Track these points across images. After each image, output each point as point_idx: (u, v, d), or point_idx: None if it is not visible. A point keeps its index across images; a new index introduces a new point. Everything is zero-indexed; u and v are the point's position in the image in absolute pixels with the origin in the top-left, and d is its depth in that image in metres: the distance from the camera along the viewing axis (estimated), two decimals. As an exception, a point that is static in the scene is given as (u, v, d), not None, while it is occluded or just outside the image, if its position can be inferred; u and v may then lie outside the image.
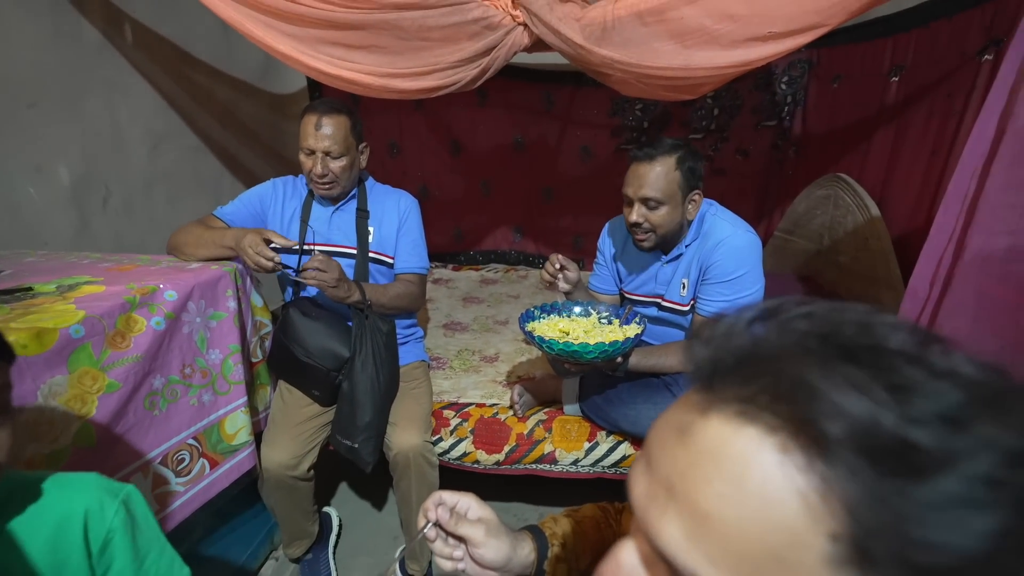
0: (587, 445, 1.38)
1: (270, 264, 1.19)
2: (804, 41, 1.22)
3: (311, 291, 1.41)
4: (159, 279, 1.08)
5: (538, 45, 1.41)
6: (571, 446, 1.39)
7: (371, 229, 1.46)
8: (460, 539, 0.60)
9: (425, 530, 0.60)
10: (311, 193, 1.46)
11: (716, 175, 2.68)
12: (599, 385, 1.36)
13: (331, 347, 1.32)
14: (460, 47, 1.33)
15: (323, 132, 1.29)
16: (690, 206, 1.24)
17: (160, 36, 1.96)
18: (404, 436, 1.29)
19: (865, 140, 2.02)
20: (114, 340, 0.94)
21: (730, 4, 1.20)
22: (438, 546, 0.60)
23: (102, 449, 0.94)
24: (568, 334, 1.15)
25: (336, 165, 1.33)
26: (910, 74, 1.80)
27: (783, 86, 2.50)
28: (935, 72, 1.65)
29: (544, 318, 1.21)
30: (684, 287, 1.31)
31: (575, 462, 1.39)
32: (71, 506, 0.57)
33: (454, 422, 1.44)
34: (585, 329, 1.17)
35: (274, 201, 1.47)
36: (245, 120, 2.52)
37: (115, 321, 0.95)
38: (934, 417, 0.22)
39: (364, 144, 1.42)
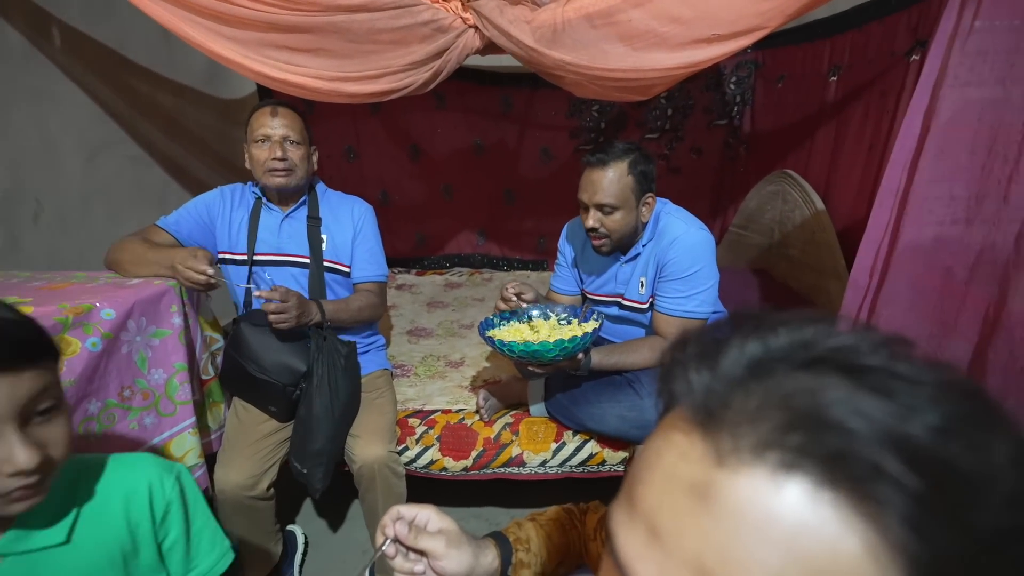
0: (554, 446, 1.39)
1: (203, 279, 1.13)
2: (747, 43, 1.26)
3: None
4: (95, 297, 1.01)
5: (490, 48, 1.41)
6: (539, 447, 1.39)
7: (324, 237, 1.42)
8: (421, 553, 0.59)
9: (384, 547, 0.58)
10: (259, 200, 1.41)
11: (672, 174, 2.74)
12: (564, 385, 1.36)
13: (286, 361, 1.27)
14: (411, 50, 1.32)
15: (279, 120, 1.27)
16: (644, 208, 1.26)
17: (93, 40, 1.85)
18: (368, 448, 1.26)
19: (809, 137, 2.11)
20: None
21: (675, 7, 1.23)
22: (398, 562, 0.59)
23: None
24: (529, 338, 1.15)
25: (295, 152, 1.29)
26: (847, 74, 1.89)
27: (732, 86, 2.59)
28: (869, 72, 1.75)
29: (504, 325, 1.21)
30: (642, 285, 1.34)
31: (543, 463, 1.39)
32: (136, 481, 0.64)
33: (420, 430, 1.42)
34: (547, 332, 1.17)
35: (222, 209, 1.41)
36: (191, 127, 2.42)
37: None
38: (958, 437, 0.20)
39: (314, 147, 1.38)
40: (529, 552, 0.68)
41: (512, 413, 1.46)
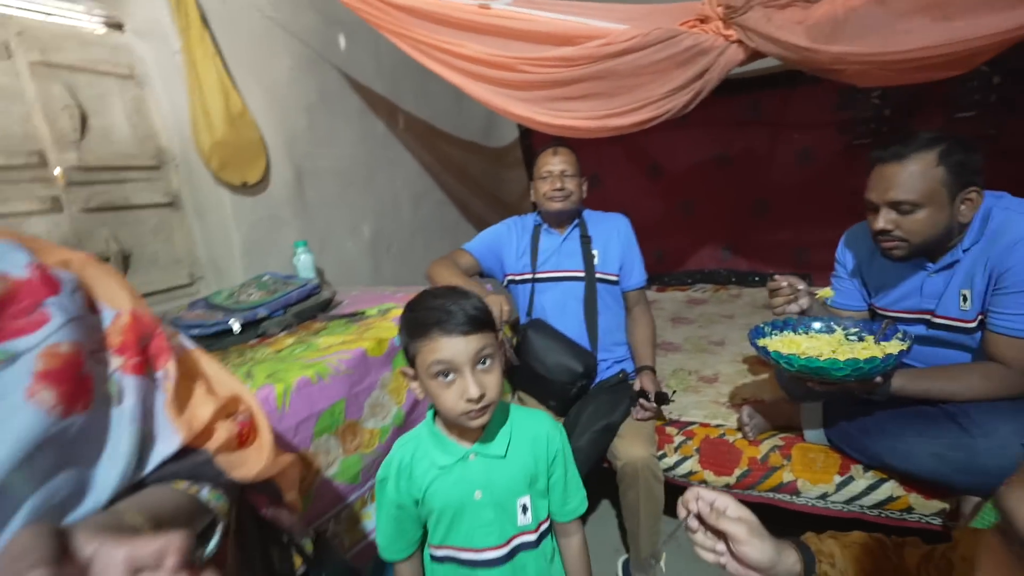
0: (838, 479, 1.23)
1: (511, 319, 1.44)
2: None
3: (544, 310, 1.62)
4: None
5: (753, 57, 1.39)
6: (817, 477, 1.26)
7: (595, 253, 1.62)
8: (720, 535, 0.64)
9: (687, 520, 0.65)
10: (538, 226, 1.69)
11: (1002, 159, 2.11)
12: (849, 411, 1.21)
13: (566, 363, 1.48)
14: (671, 77, 1.41)
15: (559, 158, 1.56)
16: (964, 206, 1.04)
17: (419, 119, 2.53)
18: (632, 448, 1.36)
19: None
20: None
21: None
22: (699, 537, 0.64)
23: (406, 428, 1.24)
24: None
25: (570, 182, 1.55)
26: None
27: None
28: None
29: (776, 335, 1.14)
30: (965, 299, 1.09)
31: (823, 496, 1.25)
32: (540, 428, 0.86)
33: (678, 439, 1.45)
34: (830, 347, 1.07)
35: (508, 237, 1.74)
36: (473, 173, 3.02)
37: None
38: None
39: (584, 178, 1.61)
40: (835, 568, 0.65)
41: (781, 436, 1.36)
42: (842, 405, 1.22)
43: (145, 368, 0.57)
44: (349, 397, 1.06)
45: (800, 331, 1.14)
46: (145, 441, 0.54)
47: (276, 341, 1.24)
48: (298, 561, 0.80)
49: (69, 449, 0.47)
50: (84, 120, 1.40)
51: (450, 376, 0.73)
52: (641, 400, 1.42)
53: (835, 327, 1.13)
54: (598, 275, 1.59)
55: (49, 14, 1.37)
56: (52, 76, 1.34)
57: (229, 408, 0.65)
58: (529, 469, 0.82)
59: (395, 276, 2.34)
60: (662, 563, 1.39)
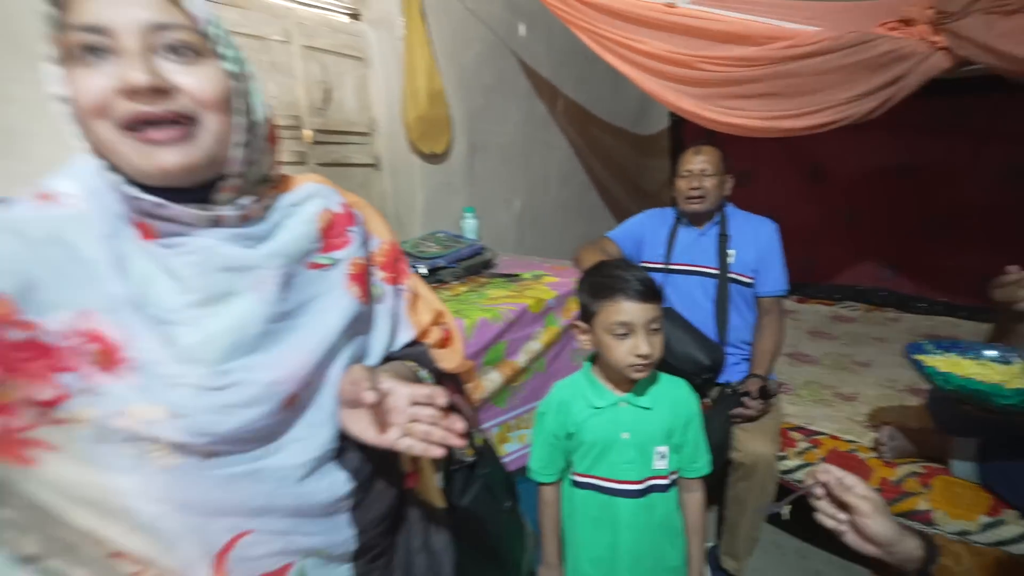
0: (984, 519, 1.17)
1: None
2: None
3: (672, 301, 1.69)
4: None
5: (959, 65, 1.29)
6: (959, 513, 1.20)
7: (731, 252, 1.64)
8: (843, 508, 0.70)
9: (814, 488, 0.73)
10: (678, 220, 1.75)
11: None
12: (1012, 451, 1.13)
13: (693, 354, 1.54)
14: (858, 82, 1.36)
15: (701, 157, 1.58)
16: None
17: (576, 103, 2.67)
18: (755, 442, 1.40)
19: None
20: (563, 311, 1.44)
21: None
22: (823, 504, 0.72)
23: (548, 376, 1.43)
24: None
25: (709, 182, 1.58)
26: None
27: None
28: None
29: (938, 354, 1.10)
30: None
31: (962, 533, 1.19)
32: (680, 392, 0.99)
33: (801, 445, 1.46)
34: (1002, 377, 1.02)
35: (650, 226, 1.82)
36: (619, 160, 3.10)
37: (565, 300, 1.45)
38: None
39: (729, 175, 1.63)
40: (960, 566, 0.68)
41: (923, 464, 1.31)
42: (1002, 441, 1.15)
43: (395, 281, 0.80)
44: (511, 340, 1.28)
45: (969, 355, 1.09)
46: (394, 330, 0.77)
47: (451, 287, 1.50)
48: (468, 452, 1.02)
49: (361, 325, 0.70)
50: (328, 93, 1.78)
51: (626, 334, 0.88)
52: (744, 399, 1.43)
53: (1014, 359, 1.06)
54: (731, 274, 1.61)
55: (314, 6, 1.75)
56: (312, 57, 1.72)
57: (437, 319, 0.87)
58: (667, 423, 0.95)
59: (534, 248, 2.55)
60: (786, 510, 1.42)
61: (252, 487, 0.53)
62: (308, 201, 0.65)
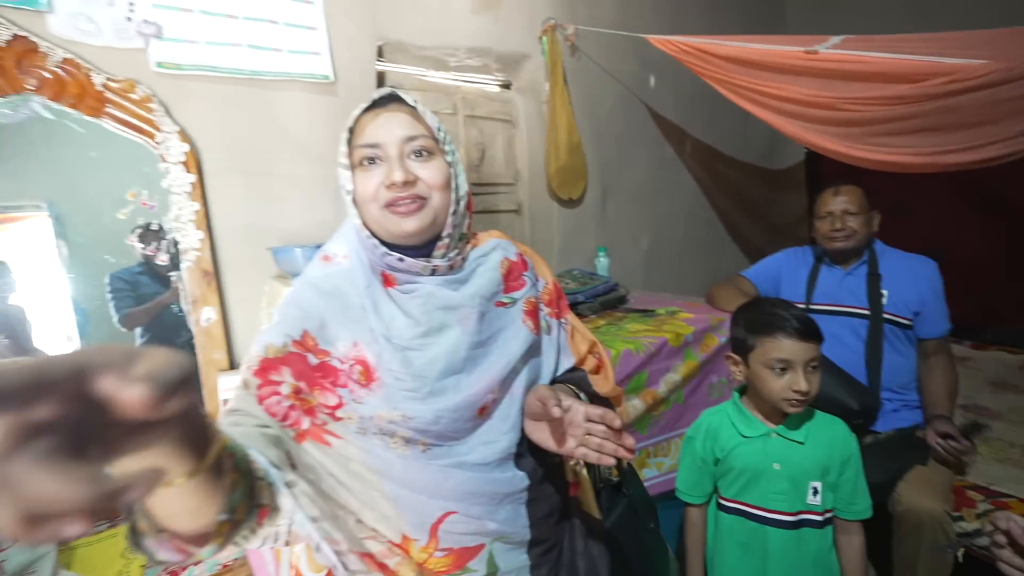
0: None
1: None
2: None
3: None
4: (722, 316, 1.60)
5: None
6: None
7: (884, 292, 1.56)
8: None
9: (995, 536, 0.72)
10: (819, 259, 1.71)
11: None
12: None
13: (840, 398, 1.48)
14: (1037, 112, 1.27)
15: (841, 197, 1.56)
16: None
17: (704, 143, 2.72)
18: (920, 496, 1.30)
19: None
20: (701, 346, 1.50)
21: None
22: (1006, 554, 0.71)
23: (687, 407, 1.48)
24: None
25: (853, 221, 1.54)
26: None
27: None
28: None
29: None
30: None
31: None
32: (838, 430, 1.02)
33: (982, 506, 1.32)
34: None
35: (788, 266, 1.80)
36: (748, 195, 3.05)
37: (702, 335, 1.51)
38: None
39: (875, 211, 1.57)
40: None
41: None
42: None
43: (558, 316, 0.95)
44: (652, 371, 1.37)
45: None
46: (558, 357, 0.89)
47: (590, 321, 1.64)
48: (614, 472, 1.13)
49: (534, 352, 0.85)
50: (483, 152, 2.08)
51: (784, 370, 0.94)
52: (946, 441, 1.34)
53: None
54: (886, 315, 1.53)
55: (474, 81, 2.08)
56: (473, 124, 2.04)
57: (591, 349, 1.00)
58: (822, 460, 0.98)
59: (660, 284, 2.60)
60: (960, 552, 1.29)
61: (457, 475, 0.69)
62: (493, 252, 0.81)
